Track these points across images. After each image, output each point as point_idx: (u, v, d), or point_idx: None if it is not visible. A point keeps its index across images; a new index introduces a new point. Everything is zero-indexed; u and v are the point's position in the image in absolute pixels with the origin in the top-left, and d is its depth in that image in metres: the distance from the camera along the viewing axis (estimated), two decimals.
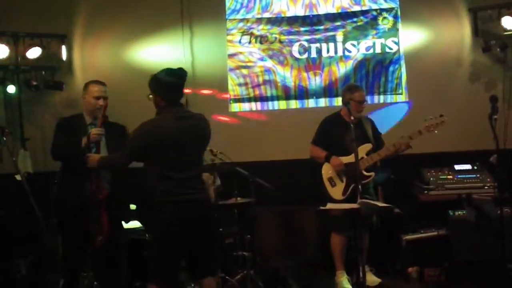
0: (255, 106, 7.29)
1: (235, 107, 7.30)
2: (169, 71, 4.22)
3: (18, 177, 5.90)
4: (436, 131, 5.37)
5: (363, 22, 7.18)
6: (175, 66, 4.24)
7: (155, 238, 4.25)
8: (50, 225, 5.14)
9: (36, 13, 7.25)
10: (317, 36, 7.21)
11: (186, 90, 7.05)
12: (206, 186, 4.52)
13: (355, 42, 7.17)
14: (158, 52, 7.30)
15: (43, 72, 7.12)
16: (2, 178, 6.60)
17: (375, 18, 7.17)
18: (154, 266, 4.12)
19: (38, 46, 6.95)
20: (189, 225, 4.10)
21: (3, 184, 6.42)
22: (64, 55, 7.15)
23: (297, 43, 7.23)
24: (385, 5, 7.17)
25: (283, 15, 7.27)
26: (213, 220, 4.45)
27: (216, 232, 5.43)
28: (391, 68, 7.14)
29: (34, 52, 6.94)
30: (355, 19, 7.19)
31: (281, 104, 7.27)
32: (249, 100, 7.29)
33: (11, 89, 7.06)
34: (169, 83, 4.17)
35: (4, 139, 5.27)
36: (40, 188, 6.14)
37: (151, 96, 4.30)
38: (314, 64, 7.22)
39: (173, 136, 4.10)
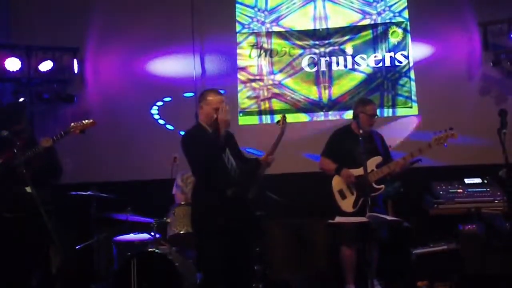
0: (264, 119, 7.31)
1: (244, 120, 7.32)
2: None
3: (28, 189, 5.92)
4: (445, 144, 5.36)
5: (372, 35, 7.20)
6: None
7: None
8: None
9: (48, 26, 7.32)
10: (326, 50, 7.24)
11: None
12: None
13: (364, 56, 7.19)
14: (169, 65, 7.35)
15: (55, 85, 7.18)
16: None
17: (384, 32, 7.20)
18: None
19: (50, 59, 7.00)
20: None
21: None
22: (76, 68, 7.20)
23: (307, 57, 7.26)
24: (395, 19, 7.20)
25: (293, 29, 7.31)
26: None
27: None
28: (400, 82, 7.15)
29: (46, 65, 6.99)
30: (364, 33, 7.22)
31: (291, 117, 7.26)
32: (259, 113, 7.31)
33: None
34: None
35: (15, 151, 5.29)
36: (55, 200, 6.19)
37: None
38: (323, 78, 7.25)
39: None
